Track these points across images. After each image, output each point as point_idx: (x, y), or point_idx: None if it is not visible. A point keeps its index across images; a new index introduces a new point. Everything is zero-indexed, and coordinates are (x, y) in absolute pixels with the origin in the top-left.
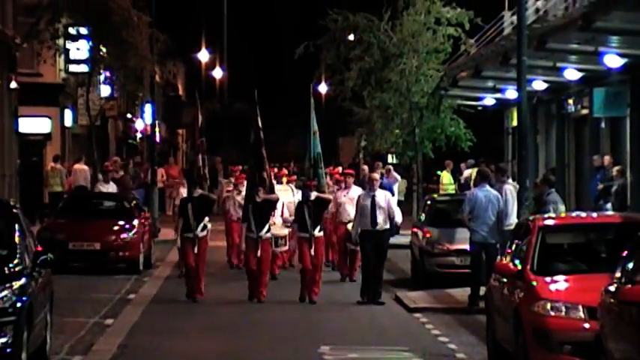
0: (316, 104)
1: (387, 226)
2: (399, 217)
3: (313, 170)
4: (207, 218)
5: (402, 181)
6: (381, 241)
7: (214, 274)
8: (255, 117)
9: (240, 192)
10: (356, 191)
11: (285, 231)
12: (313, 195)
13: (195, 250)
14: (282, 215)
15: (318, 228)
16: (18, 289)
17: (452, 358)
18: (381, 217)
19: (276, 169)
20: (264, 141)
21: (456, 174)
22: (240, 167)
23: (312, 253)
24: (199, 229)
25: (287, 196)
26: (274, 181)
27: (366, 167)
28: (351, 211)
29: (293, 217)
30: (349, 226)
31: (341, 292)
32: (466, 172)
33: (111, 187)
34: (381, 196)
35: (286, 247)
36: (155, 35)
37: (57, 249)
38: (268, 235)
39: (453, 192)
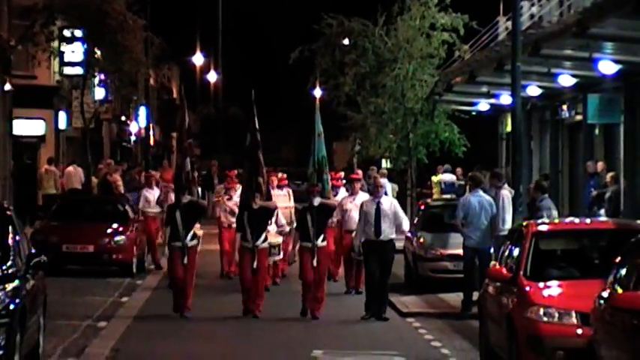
0: (311, 109)
1: (393, 235)
2: (406, 225)
3: (317, 175)
4: (197, 225)
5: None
6: (386, 253)
7: (207, 283)
8: (252, 118)
9: (230, 197)
10: (362, 197)
11: (279, 239)
12: (317, 201)
13: (185, 261)
14: (276, 222)
15: (322, 237)
16: (11, 292)
17: None
18: (386, 226)
19: (280, 174)
20: (260, 144)
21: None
22: (236, 172)
23: (315, 264)
24: (189, 238)
25: (284, 201)
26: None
27: (360, 172)
28: (357, 218)
29: (289, 224)
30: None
31: (343, 304)
32: (442, 177)
33: (156, 192)
34: (387, 203)
35: (280, 257)
36: (150, 39)
37: (50, 251)
38: (265, 244)
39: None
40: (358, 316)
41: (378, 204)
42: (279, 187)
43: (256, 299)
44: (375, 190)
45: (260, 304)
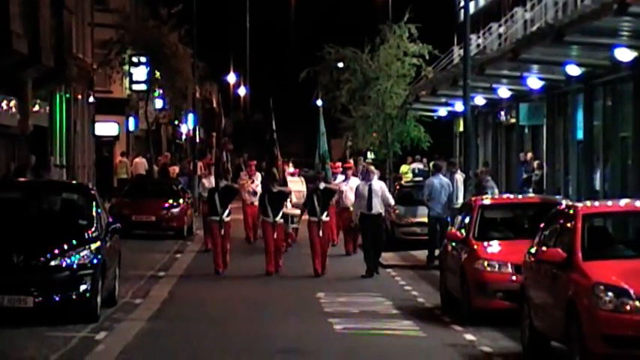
0: (314, 115)
1: (382, 210)
2: (391, 201)
3: (322, 165)
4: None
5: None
6: (377, 224)
7: (234, 246)
8: (270, 121)
9: (253, 181)
10: (355, 181)
11: (298, 211)
12: (322, 185)
13: (222, 232)
14: (291, 201)
15: (326, 213)
16: (95, 250)
17: (414, 302)
18: (376, 203)
19: (291, 165)
20: (276, 141)
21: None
22: (255, 162)
23: (320, 234)
24: (225, 214)
25: (298, 186)
26: (289, 175)
27: (352, 161)
28: (351, 197)
29: (302, 203)
30: (352, 208)
31: (341, 263)
32: (415, 165)
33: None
34: (377, 185)
35: (298, 225)
36: (196, 63)
37: (123, 220)
38: (282, 220)
39: (409, 179)
40: (352, 271)
41: (370, 186)
42: (292, 174)
43: (277, 259)
44: (367, 175)
45: (280, 262)
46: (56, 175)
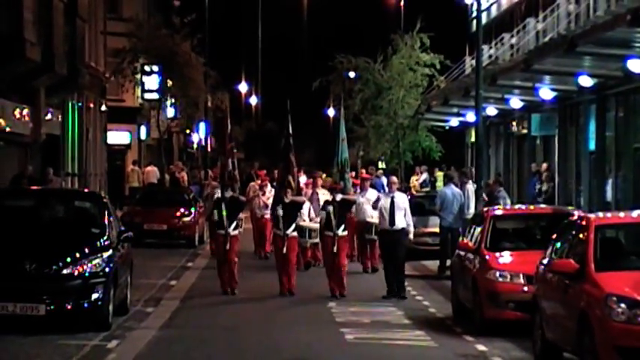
0: (325, 125)
1: (404, 225)
2: (411, 233)
3: (340, 174)
4: (241, 216)
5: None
6: (399, 240)
7: (244, 261)
8: (286, 124)
9: (264, 193)
10: (372, 193)
11: (317, 225)
12: (339, 196)
13: (227, 247)
14: (309, 215)
15: (342, 227)
16: (107, 258)
17: (425, 312)
18: (399, 218)
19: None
20: (292, 147)
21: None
22: (265, 171)
23: (335, 250)
24: (232, 227)
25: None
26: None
27: (363, 170)
28: (368, 210)
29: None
30: (367, 219)
31: (363, 281)
32: (423, 176)
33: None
34: (400, 198)
35: (317, 240)
36: (208, 72)
37: (135, 229)
38: (294, 233)
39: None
40: (365, 283)
41: (393, 198)
42: (307, 185)
43: (290, 279)
44: (389, 187)
45: (293, 282)
46: (57, 185)
